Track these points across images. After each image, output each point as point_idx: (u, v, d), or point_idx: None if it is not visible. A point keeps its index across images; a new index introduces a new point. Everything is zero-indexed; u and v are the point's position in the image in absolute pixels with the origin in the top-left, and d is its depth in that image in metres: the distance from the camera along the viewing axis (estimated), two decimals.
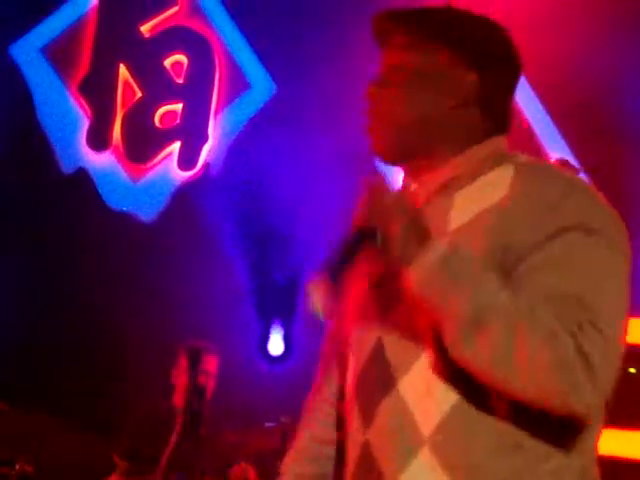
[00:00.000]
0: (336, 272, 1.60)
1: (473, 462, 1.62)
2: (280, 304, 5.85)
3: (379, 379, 1.71)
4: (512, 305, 1.54)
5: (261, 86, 6.05)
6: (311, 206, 5.69)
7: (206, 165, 5.99)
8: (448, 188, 1.74)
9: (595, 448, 1.71)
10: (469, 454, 1.62)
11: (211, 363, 4.85)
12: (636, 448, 5.10)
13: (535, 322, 1.52)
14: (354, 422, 1.76)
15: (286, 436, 4.49)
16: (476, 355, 1.54)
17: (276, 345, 5.88)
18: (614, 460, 4.88)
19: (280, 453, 4.55)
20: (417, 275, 1.57)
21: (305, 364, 5.26)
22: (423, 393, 1.65)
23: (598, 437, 1.72)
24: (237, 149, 6.00)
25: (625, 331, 1.63)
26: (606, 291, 1.58)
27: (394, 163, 1.81)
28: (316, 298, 1.58)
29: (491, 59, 1.78)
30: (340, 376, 1.89)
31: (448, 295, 1.56)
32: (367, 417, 1.73)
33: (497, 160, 1.74)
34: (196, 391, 4.41)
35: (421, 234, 1.59)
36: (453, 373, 1.62)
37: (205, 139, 6.01)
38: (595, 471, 1.71)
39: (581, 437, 1.65)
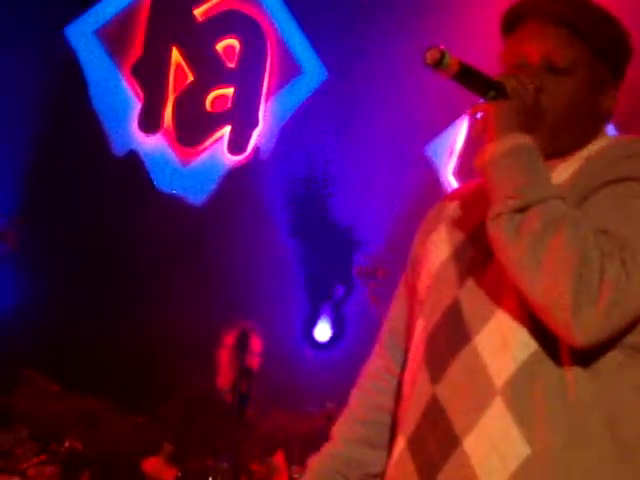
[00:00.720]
0: (466, 73, 1.70)
1: (543, 416, 1.64)
2: (330, 291, 5.87)
3: (454, 334, 1.75)
4: (565, 211, 1.61)
5: (313, 71, 6.05)
6: (362, 192, 5.69)
7: (256, 149, 6.01)
8: (558, 163, 1.81)
9: None
10: (539, 408, 1.64)
11: (257, 343, 4.85)
12: None
13: (576, 230, 1.58)
14: (419, 379, 1.79)
15: (330, 421, 4.50)
16: (512, 236, 1.61)
17: (323, 332, 5.89)
18: None
19: (324, 439, 4.59)
20: (505, 144, 1.66)
21: (351, 352, 5.30)
22: (498, 347, 1.69)
23: None
24: (288, 134, 6.01)
25: None
26: None
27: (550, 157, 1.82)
28: (450, 57, 1.68)
29: (626, 68, 1.87)
30: (407, 338, 1.92)
31: (519, 175, 1.63)
32: (437, 372, 1.75)
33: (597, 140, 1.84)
34: (243, 372, 4.41)
35: (528, 125, 1.69)
36: (529, 328, 1.66)
37: (255, 124, 6.02)
38: None
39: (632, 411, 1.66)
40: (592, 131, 1.83)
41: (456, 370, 1.73)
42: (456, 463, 1.69)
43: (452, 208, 1.93)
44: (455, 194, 2.00)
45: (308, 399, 4.90)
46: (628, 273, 1.56)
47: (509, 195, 1.63)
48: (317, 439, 4.55)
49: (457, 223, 1.87)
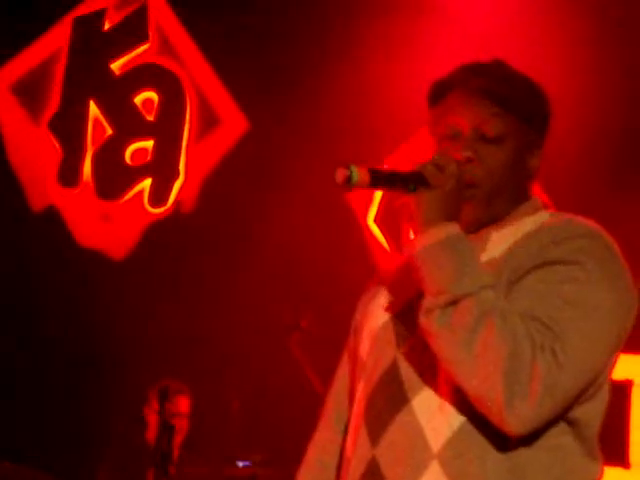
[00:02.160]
0: (379, 179, 1.72)
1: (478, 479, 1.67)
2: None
3: (392, 397, 1.77)
4: (494, 303, 1.63)
5: (233, 122, 6.04)
6: (290, 244, 5.67)
7: (177, 202, 5.96)
8: (488, 231, 1.84)
9: None
10: (475, 471, 1.67)
11: (184, 404, 4.83)
12: None
13: (507, 325, 1.60)
14: (360, 439, 1.81)
15: (256, 476, 4.47)
16: (444, 330, 1.64)
17: None
18: None
19: None
20: (430, 237, 1.69)
21: (279, 404, 5.24)
22: (435, 410, 1.71)
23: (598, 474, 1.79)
24: (209, 186, 5.96)
25: (597, 367, 1.69)
26: (577, 326, 1.64)
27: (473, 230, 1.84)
28: (359, 172, 1.70)
29: (546, 125, 1.92)
30: (350, 404, 1.94)
31: (447, 268, 1.67)
32: (376, 434, 1.77)
33: (535, 211, 1.87)
34: (166, 431, 4.39)
35: (452, 212, 1.72)
36: (464, 398, 1.68)
37: (176, 176, 5.98)
38: None
39: (582, 470, 1.74)
40: (523, 192, 1.87)
41: (394, 432, 1.75)
42: None
43: (390, 276, 1.97)
44: (393, 262, 2.05)
45: (236, 452, 4.84)
46: (559, 364, 1.59)
47: (439, 290, 1.66)
48: None
49: (395, 290, 1.90)
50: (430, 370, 1.74)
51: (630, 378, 5.23)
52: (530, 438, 1.67)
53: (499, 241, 1.80)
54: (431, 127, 1.88)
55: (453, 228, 1.70)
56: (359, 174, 1.70)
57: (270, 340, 5.04)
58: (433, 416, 1.71)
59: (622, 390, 5.06)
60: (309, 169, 5.56)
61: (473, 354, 1.60)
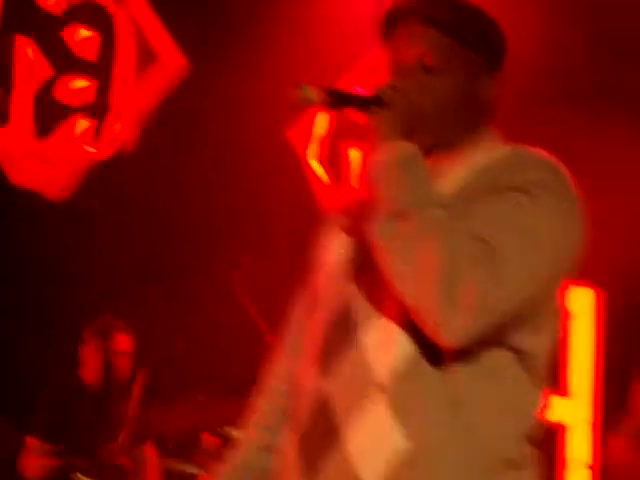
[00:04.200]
0: (336, 98, 1.74)
1: (423, 412, 1.69)
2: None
3: (343, 331, 1.79)
4: (441, 217, 1.66)
5: (172, 61, 5.97)
6: (230, 183, 5.65)
7: (115, 142, 5.90)
8: (446, 164, 1.85)
9: (537, 420, 1.80)
10: (421, 404, 1.70)
11: (124, 342, 4.80)
12: (551, 412, 5.17)
13: (449, 239, 1.63)
14: (311, 373, 1.83)
15: (200, 411, 4.48)
16: (390, 241, 1.67)
17: None
18: None
19: (195, 429, 4.57)
20: (388, 153, 1.72)
21: (223, 342, 5.26)
22: (383, 345, 1.73)
23: (539, 409, 1.80)
24: (149, 126, 5.90)
25: (533, 293, 1.70)
26: (519, 248, 1.66)
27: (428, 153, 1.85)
28: (312, 90, 1.72)
29: (502, 52, 1.90)
30: (305, 331, 1.95)
31: (400, 182, 1.70)
32: (326, 367, 1.80)
33: (492, 143, 1.87)
34: (106, 368, 4.38)
35: (408, 131, 1.75)
36: (413, 327, 1.70)
37: (113, 115, 5.90)
38: (533, 444, 1.80)
39: (525, 400, 1.76)
40: (475, 122, 1.87)
41: (344, 368, 1.77)
42: (337, 459, 1.73)
43: (344, 211, 1.98)
44: (346, 197, 2.10)
45: (180, 392, 4.85)
46: (497, 282, 1.61)
47: (389, 202, 1.69)
48: (191, 433, 4.54)
49: (349, 224, 1.92)
50: (381, 305, 1.76)
51: (568, 310, 5.35)
52: (475, 369, 1.70)
53: (456, 175, 1.82)
54: (383, 58, 1.89)
55: (408, 147, 1.73)
56: (315, 92, 1.72)
57: (213, 279, 5.05)
58: (381, 349, 1.74)
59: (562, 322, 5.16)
60: (248, 108, 5.53)
61: (412, 266, 1.63)
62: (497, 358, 1.73)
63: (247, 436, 2.04)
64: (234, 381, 4.00)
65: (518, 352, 1.74)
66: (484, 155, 1.84)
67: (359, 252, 1.85)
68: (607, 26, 5.41)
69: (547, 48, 5.33)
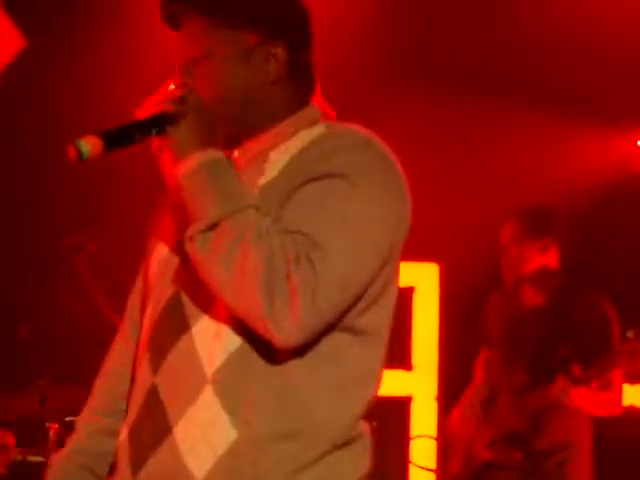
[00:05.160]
0: (114, 139, 1.65)
1: (252, 402, 1.69)
2: None
3: (173, 324, 1.78)
4: (252, 222, 1.64)
5: (9, 39, 5.79)
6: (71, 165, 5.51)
7: None
8: (265, 152, 1.81)
9: (372, 398, 1.81)
10: (248, 394, 1.69)
11: None
12: (396, 386, 5.28)
13: (261, 241, 1.60)
14: (143, 366, 1.82)
15: (44, 400, 4.39)
16: (206, 255, 1.64)
17: None
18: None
19: (39, 418, 4.49)
20: (186, 167, 1.67)
21: (68, 327, 5.16)
22: (212, 335, 1.72)
23: (375, 386, 1.82)
24: None
25: (363, 276, 1.71)
26: (340, 235, 1.65)
27: (228, 147, 1.83)
28: (86, 143, 1.62)
29: (292, 27, 1.84)
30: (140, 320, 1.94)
31: (205, 194, 1.66)
32: (157, 361, 1.78)
33: (312, 122, 1.83)
34: None
35: (207, 139, 1.70)
36: (240, 321, 1.68)
37: None
38: (363, 419, 1.80)
39: (356, 387, 1.76)
40: (274, 102, 1.83)
41: (173, 360, 1.76)
42: (166, 451, 1.72)
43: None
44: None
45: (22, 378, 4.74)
46: (317, 273, 1.60)
47: (199, 215, 1.65)
48: (35, 421, 4.44)
49: (180, 214, 1.85)
50: (210, 296, 1.73)
51: (412, 285, 5.45)
52: (312, 356, 1.70)
53: (277, 159, 1.79)
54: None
55: (207, 154, 1.69)
56: (89, 144, 1.63)
57: (57, 264, 4.95)
58: (210, 341, 1.72)
59: (404, 297, 5.27)
60: (87, 92, 5.43)
61: (233, 275, 1.61)
62: (334, 342, 1.73)
63: (82, 420, 2.01)
64: (80, 368, 3.93)
65: (356, 333, 1.75)
66: (299, 137, 1.81)
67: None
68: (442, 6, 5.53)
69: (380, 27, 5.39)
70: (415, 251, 5.42)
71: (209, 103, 1.75)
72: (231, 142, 1.84)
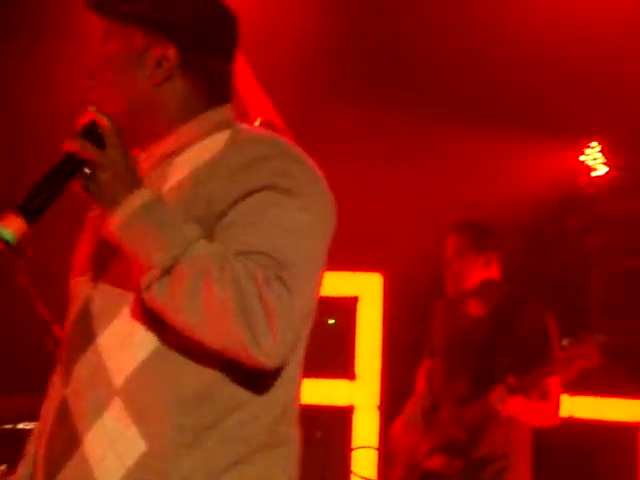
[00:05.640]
0: (36, 202, 1.52)
1: (161, 412, 1.65)
2: None
3: (82, 334, 1.74)
4: (206, 255, 1.58)
5: None
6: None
7: None
8: (170, 156, 1.77)
9: (290, 402, 1.78)
10: (157, 404, 1.65)
11: None
12: (339, 396, 5.29)
13: (225, 273, 1.56)
14: (56, 380, 1.79)
15: None
16: (168, 301, 1.59)
17: None
18: (318, 408, 5.05)
19: None
20: (119, 218, 1.60)
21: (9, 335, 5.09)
22: (119, 346, 1.68)
23: (294, 391, 1.79)
24: None
25: (317, 286, 1.72)
26: (296, 249, 1.65)
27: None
28: (8, 226, 1.48)
29: (188, 29, 1.78)
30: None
31: (147, 241, 1.59)
32: (67, 373, 1.74)
33: (218, 127, 1.78)
34: None
35: (130, 179, 1.62)
36: (150, 328, 1.66)
37: None
38: (287, 425, 1.77)
39: (271, 391, 1.72)
40: (169, 104, 1.79)
41: (81, 371, 1.72)
42: (76, 464, 1.69)
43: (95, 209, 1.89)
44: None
45: None
46: (290, 291, 1.59)
47: (149, 264, 1.60)
48: None
49: (97, 223, 1.81)
50: (119, 305, 1.71)
51: (356, 295, 5.47)
52: (229, 367, 1.66)
53: (182, 165, 1.76)
54: None
55: (136, 198, 1.62)
56: (12, 228, 1.49)
57: None
58: (118, 351, 1.69)
59: (348, 306, 5.28)
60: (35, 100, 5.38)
61: (202, 316, 1.57)
62: None
63: (30, 445, 1.96)
64: (22, 375, 3.89)
65: None
66: (207, 142, 1.77)
67: (102, 250, 1.78)
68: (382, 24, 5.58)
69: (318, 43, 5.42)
70: (359, 261, 5.47)
71: (111, 113, 1.67)
72: (137, 144, 1.81)
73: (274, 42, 5.24)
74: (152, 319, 1.65)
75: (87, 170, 1.59)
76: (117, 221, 1.61)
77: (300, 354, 1.79)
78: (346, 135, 5.12)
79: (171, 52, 1.78)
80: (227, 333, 1.57)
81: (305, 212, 1.68)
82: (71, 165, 1.58)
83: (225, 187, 1.68)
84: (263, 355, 1.58)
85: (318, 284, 1.73)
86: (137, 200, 1.61)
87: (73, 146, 1.60)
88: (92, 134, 1.60)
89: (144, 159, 1.81)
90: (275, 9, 5.19)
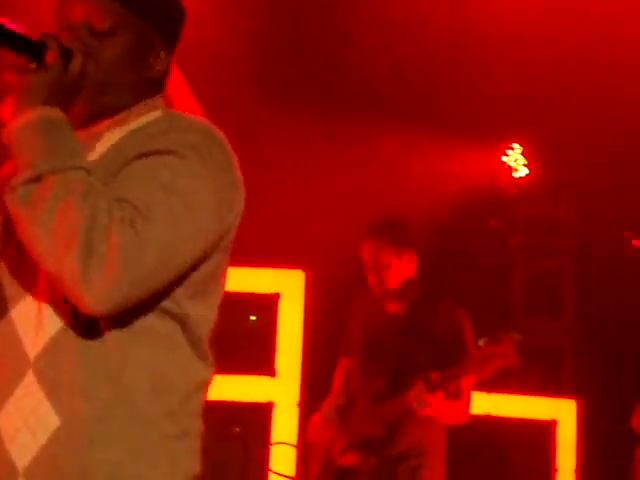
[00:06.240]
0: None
1: (73, 387, 1.65)
2: None
3: None
4: (79, 179, 1.60)
5: None
6: None
7: None
8: (102, 132, 1.80)
9: (194, 392, 1.77)
10: (70, 379, 1.65)
11: None
12: (259, 392, 5.29)
13: (87, 201, 1.57)
14: None
15: None
16: (25, 206, 1.58)
17: None
18: (238, 404, 5.05)
19: None
20: (27, 117, 1.63)
21: None
22: (33, 320, 1.68)
23: (199, 381, 1.79)
24: None
25: (187, 256, 1.68)
26: (166, 208, 1.63)
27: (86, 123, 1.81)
28: None
29: (172, 27, 1.87)
30: None
31: (36, 147, 1.62)
32: None
33: (154, 109, 1.84)
34: None
35: (57, 100, 1.67)
36: (62, 301, 1.65)
37: None
38: (188, 417, 1.77)
39: (178, 375, 1.73)
40: (141, 93, 1.84)
41: None
42: None
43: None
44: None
45: None
46: (139, 238, 1.57)
47: (25, 167, 1.61)
48: None
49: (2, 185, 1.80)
50: (30, 276, 1.71)
51: (277, 291, 5.47)
52: (132, 338, 1.67)
53: (109, 139, 1.79)
54: (53, 20, 1.83)
55: (53, 112, 1.66)
56: None
57: None
58: (31, 324, 1.69)
59: (269, 303, 5.29)
60: None
61: (50, 230, 1.56)
62: (159, 328, 1.71)
63: None
64: None
65: (181, 322, 1.73)
66: (138, 120, 1.82)
67: (8, 225, 1.77)
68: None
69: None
70: (281, 258, 5.48)
71: (88, 74, 1.74)
72: (79, 120, 1.81)
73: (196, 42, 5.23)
74: (61, 298, 1.65)
75: (38, 63, 1.67)
76: (23, 119, 1.63)
77: (203, 343, 1.78)
78: (269, 134, 5.12)
79: (163, 53, 1.86)
80: (65, 256, 1.55)
81: (195, 181, 1.68)
82: (35, 47, 1.66)
83: (139, 148, 1.72)
84: (92, 295, 1.56)
85: (190, 255, 1.69)
86: (51, 113, 1.65)
87: (57, 36, 1.69)
88: (68, 50, 1.71)
89: (79, 135, 1.79)
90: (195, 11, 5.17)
